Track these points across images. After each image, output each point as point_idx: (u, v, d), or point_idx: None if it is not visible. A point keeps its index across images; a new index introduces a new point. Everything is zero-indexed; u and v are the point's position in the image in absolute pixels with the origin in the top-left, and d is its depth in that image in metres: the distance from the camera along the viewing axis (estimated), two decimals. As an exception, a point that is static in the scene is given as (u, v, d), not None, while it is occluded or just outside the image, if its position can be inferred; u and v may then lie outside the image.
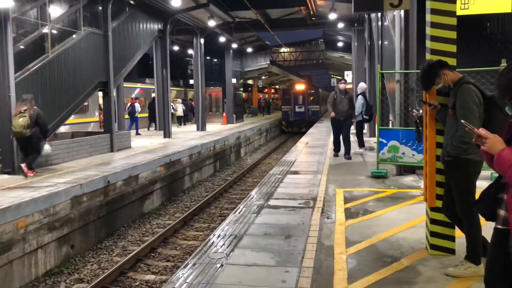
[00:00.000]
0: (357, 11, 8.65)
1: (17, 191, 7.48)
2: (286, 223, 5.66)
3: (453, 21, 4.07)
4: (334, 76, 48.19)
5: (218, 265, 4.24)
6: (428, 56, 4.14)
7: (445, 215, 3.93)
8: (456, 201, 3.69)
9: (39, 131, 8.94)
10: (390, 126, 9.72)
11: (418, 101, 5.78)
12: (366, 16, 16.27)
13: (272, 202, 6.82)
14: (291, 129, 31.08)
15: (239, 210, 6.41)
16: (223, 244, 4.88)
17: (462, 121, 2.41)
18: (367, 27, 16.46)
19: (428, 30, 4.16)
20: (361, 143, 12.12)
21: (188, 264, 4.34)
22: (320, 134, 19.70)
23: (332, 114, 10.95)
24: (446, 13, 4.09)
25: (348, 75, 27.64)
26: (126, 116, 19.83)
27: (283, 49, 50.96)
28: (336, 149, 11.54)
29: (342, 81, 11.43)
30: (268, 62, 32.36)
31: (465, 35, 13.31)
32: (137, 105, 19.67)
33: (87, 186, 8.44)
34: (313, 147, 14.27)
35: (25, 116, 8.68)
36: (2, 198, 6.91)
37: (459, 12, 7.88)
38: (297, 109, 31.02)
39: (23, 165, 8.89)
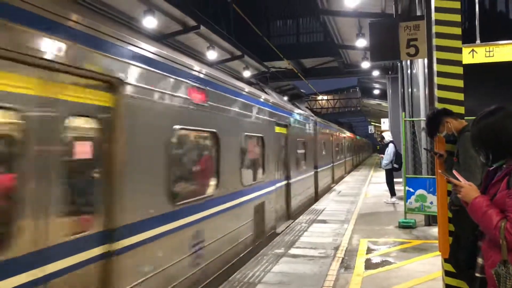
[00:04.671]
0: (374, 61, 8.77)
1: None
2: (303, 273, 5.56)
3: (459, 70, 4.10)
4: (372, 123, 47.80)
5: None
6: (437, 105, 4.15)
7: (451, 265, 3.77)
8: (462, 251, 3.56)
9: None
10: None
11: (424, 150, 5.71)
12: (398, 64, 16.34)
13: (293, 251, 6.73)
14: None
15: (258, 258, 6.36)
16: (236, 292, 4.84)
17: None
18: (400, 74, 16.48)
19: (436, 79, 4.20)
20: (392, 192, 11.82)
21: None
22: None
23: None
24: (452, 63, 4.13)
25: (385, 123, 27.43)
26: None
27: (320, 97, 51.51)
28: None
29: None
30: (304, 110, 32.69)
31: (505, 81, 13.02)
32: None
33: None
34: (344, 196, 14.04)
35: None
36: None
37: (485, 60, 7.85)
38: None
39: None
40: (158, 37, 12.82)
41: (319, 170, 14.12)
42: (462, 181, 2.30)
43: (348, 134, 29.73)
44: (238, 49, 17.17)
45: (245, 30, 21.25)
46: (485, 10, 15.46)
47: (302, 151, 11.76)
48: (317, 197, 13.52)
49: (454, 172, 2.40)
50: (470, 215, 2.21)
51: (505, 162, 2.21)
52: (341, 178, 21.30)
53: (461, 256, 2.37)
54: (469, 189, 2.24)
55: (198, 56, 16.20)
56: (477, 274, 2.29)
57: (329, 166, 17.48)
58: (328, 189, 15.87)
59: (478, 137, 2.30)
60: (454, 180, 2.30)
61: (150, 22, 10.52)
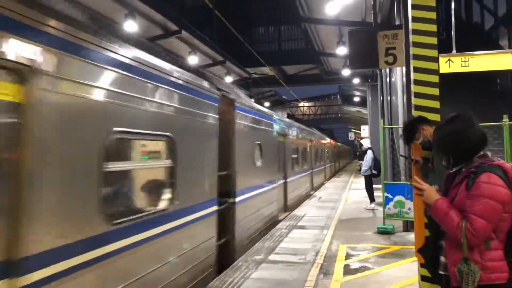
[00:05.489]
0: (353, 68, 8.92)
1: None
2: (282, 279, 5.56)
3: (435, 78, 4.20)
4: (353, 130, 48.41)
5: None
6: (413, 112, 4.23)
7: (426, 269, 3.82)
8: None
9: None
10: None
11: (400, 156, 5.84)
12: (378, 71, 16.61)
13: (272, 257, 6.72)
14: None
15: (238, 264, 6.33)
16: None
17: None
18: (379, 82, 16.76)
19: (413, 88, 4.29)
20: (371, 198, 11.95)
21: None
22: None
23: None
24: (429, 71, 4.23)
25: (365, 129, 27.79)
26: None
27: (302, 103, 51.92)
28: None
29: None
30: (285, 116, 32.89)
31: (479, 91, 13.39)
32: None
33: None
34: (325, 201, 14.13)
35: None
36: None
37: (461, 70, 8.02)
38: None
39: None
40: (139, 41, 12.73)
41: (244, 197, 7.51)
42: (424, 184, 2.46)
43: (322, 136, 24.11)
44: (220, 55, 17.19)
45: (227, 36, 21.31)
46: (461, 21, 15.90)
47: (158, 163, 4.81)
48: (230, 258, 6.71)
49: (415, 177, 2.55)
50: (432, 216, 2.37)
51: (464, 166, 2.39)
52: (306, 197, 15.43)
53: (426, 255, 2.52)
54: (431, 192, 2.40)
55: (180, 62, 16.14)
56: (440, 272, 2.45)
57: (274, 186, 10.14)
58: (266, 231, 9.03)
59: (439, 143, 2.50)
60: (417, 184, 2.43)
61: (131, 25, 10.44)
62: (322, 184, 21.35)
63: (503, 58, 7.85)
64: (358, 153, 22.40)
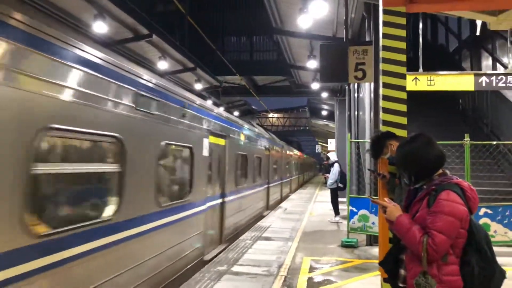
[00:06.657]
0: (323, 81, 9.05)
1: None
2: (245, 291, 5.44)
3: (403, 95, 4.24)
4: (320, 143, 49.05)
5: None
6: (381, 127, 4.26)
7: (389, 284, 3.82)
8: None
9: None
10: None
11: (368, 170, 5.93)
12: (346, 86, 16.91)
13: (235, 269, 6.60)
14: None
15: (200, 275, 6.18)
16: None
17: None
18: (347, 97, 17.05)
19: (381, 103, 4.32)
20: (336, 211, 12.04)
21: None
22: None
23: None
24: (397, 88, 4.28)
25: (332, 143, 28.17)
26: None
27: (271, 114, 52.26)
28: None
29: None
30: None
31: (443, 110, 13.87)
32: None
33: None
34: (290, 213, 14.14)
35: None
36: None
37: (427, 88, 8.26)
38: None
39: None
40: (108, 43, 12.42)
41: None
42: (387, 201, 2.55)
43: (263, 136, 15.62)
44: (191, 61, 17.01)
45: (199, 43, 21.19)
46: (428, 42, 16.47)
47: None
48: None
49: (372, 197, 2.64)
50: (394, 232, 2.46)
51: (425, 183, 2.49)
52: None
53: (386, 268, 2.57)
54: (393, 209, 2.48)
55: (149, 66, 15.86)
56: (400, 284, 2.54)
57: None
58: None
59: (402, 161, 2.59)
60: (379, 201, 2.56)
61: (100, 27, 10.15)
62: (261, 217, 13.55)
63: (465, 79, 8.14)
64: (322, 166, 22.47)
